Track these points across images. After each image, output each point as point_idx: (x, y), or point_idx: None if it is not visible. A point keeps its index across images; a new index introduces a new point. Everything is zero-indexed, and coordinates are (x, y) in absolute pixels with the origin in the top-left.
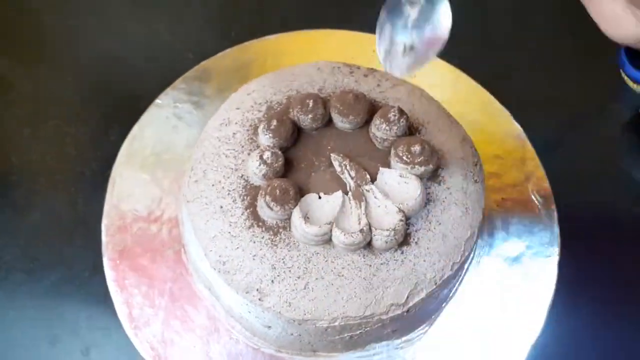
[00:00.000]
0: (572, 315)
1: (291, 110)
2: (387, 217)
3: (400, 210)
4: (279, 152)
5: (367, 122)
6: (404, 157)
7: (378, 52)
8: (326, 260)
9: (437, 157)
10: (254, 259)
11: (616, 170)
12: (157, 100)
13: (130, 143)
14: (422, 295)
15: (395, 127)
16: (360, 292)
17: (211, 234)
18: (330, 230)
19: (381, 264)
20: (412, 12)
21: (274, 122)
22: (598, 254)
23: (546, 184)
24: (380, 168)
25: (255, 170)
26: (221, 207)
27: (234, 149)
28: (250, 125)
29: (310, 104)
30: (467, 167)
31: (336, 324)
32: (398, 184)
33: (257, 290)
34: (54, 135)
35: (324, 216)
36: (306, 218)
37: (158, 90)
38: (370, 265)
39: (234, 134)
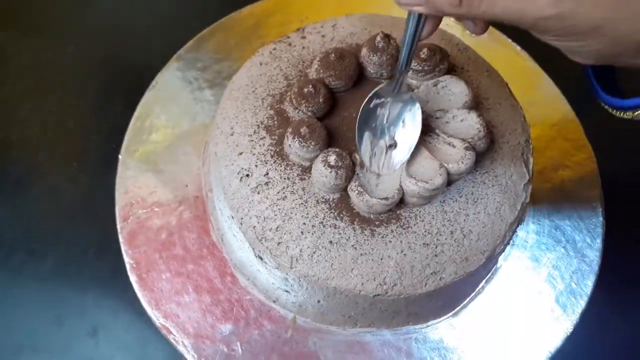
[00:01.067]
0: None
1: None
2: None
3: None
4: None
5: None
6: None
7: (362, 158)
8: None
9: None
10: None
11: None
12: (162, 72)
13: (138, 119)
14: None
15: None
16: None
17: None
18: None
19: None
20: (384, 113)
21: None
22: None
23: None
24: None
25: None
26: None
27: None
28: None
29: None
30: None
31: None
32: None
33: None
34: (56, 108)
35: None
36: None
37: (163, 59)
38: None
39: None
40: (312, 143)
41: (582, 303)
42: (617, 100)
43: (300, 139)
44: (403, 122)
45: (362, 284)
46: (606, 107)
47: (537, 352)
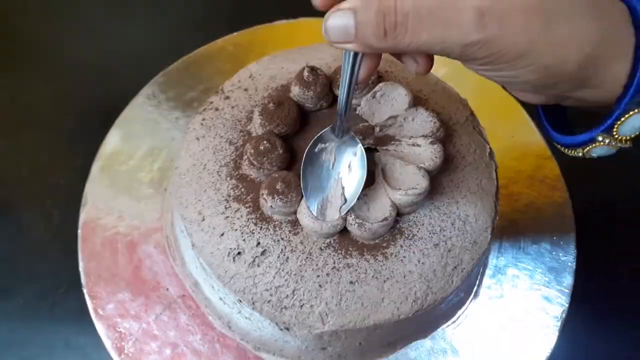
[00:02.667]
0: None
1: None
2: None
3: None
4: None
5: None
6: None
7: (310, 209)
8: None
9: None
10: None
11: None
12: (128, 109)
13: (103, 154)
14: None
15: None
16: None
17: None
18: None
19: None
20: (329, 158)
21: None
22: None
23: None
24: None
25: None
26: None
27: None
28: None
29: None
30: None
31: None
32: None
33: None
34: (29, 145)
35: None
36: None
37: (134, 94)
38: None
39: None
40: (293, 195)
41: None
42: (567, 138)
43: (281, 196)
44: (349, 166)
45: (398, 308)
46: (558, 145)
47: None
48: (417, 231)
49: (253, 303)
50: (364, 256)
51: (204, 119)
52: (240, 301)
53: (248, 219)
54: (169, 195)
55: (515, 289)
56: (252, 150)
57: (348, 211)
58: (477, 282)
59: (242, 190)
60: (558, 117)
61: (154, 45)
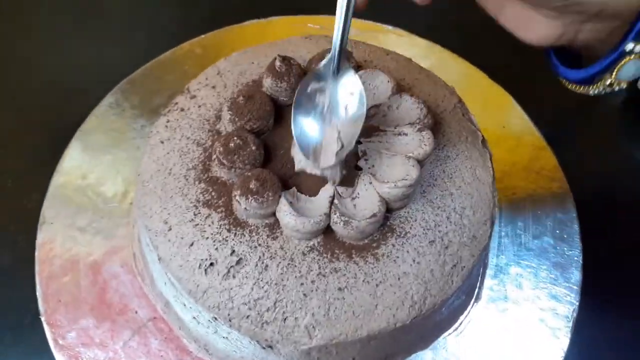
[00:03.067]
0: None
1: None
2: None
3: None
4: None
5: None
6: None
7: (304, 155)
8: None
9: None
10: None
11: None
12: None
13: (62, 168)
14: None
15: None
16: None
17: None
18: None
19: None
20: (323, 101)
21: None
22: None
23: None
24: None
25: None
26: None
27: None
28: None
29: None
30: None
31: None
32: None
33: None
34: None
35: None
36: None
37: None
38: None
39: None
40: (269, 194)
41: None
42: (590, 69)
43: (255, 196)
44: (346, 109)
45: (394, 315)
46: (574, 87)
47: None
48: (410, 228)
49: (230, 320)
50: (352, 259)
51: (168, 121)
52: (216, 319)
53: (220, 225)
54: (133, 207)
55: (520, 290)
56: (221, 149)
57: (334, 203)
58: (479, 283)
59: (213, 194)
60: (567, 56)
61: (120, 58)
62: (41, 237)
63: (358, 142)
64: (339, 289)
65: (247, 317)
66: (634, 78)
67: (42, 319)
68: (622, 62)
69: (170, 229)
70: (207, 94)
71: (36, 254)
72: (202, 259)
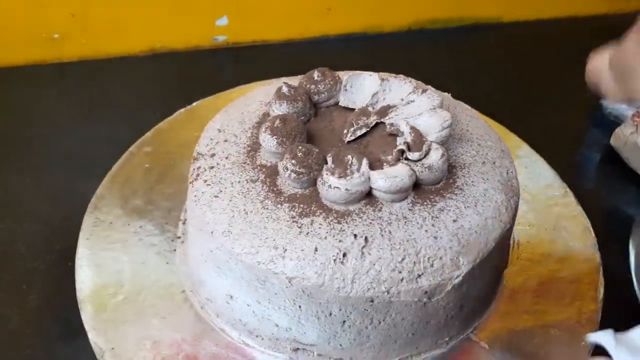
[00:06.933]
0: None
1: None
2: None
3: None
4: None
5: None
6: None
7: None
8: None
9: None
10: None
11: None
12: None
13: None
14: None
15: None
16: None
17: None
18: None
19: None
20: None
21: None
22: None
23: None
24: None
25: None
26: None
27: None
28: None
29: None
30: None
31: None
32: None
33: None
34: (6, 235)
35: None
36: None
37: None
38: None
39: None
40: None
41: None
42: None
43: (346, 172)
44: None
45: (501, 220)
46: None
47: None
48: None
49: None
50: (444, 197)
51: (205, 181)
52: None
53: (329, 223)
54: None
55: None
56: (293, 161)
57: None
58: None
59: (301, 205)
60: None
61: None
62: None
63: (381, 123)
64: (454, 220)
65: (402, 279)
66: None
67: None
68: None
69: (284, 250)
70: (225, 147)
71: None
72: (334, 255)
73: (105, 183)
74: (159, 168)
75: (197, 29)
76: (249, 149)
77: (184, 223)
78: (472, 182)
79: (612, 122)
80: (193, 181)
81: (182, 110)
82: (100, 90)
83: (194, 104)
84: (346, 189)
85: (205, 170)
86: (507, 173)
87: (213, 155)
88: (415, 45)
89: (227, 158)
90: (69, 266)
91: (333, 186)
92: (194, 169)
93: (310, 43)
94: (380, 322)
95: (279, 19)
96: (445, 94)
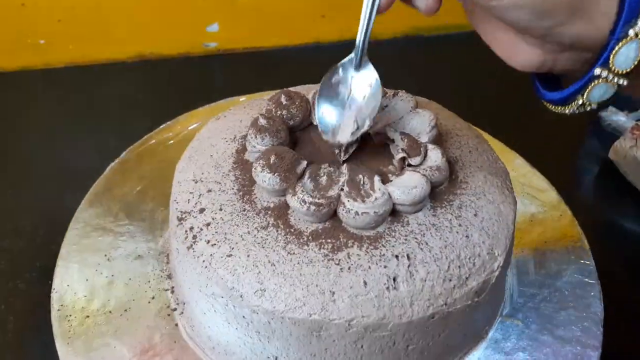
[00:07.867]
0: None
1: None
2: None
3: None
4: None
5: None
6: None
7: (324, 133)
8: None
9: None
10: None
11: None
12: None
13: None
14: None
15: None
16: None
17: None
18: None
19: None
20: (344, 91)
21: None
22: None
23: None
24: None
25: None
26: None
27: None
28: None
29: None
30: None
31: None
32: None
33: None
34: None
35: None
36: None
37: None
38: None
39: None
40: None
41: None
42: (565, 91)
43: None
44: (364, 97)
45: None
46: (552, 106)
47: None
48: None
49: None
50: (457, 194)
51: (208, 241)
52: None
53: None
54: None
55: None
56: (307, 194)
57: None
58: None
59: (330, 243)
60: (550, 81)
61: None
62: None
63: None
64: (474, 215)
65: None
66: (601, 99)
67: None
68: (591, 85)
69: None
70: (213, 198)
71: None
72: (385, 283)
73: (89, 197)
74: (144, 183)
75: (187, 35)
76: (240, 193)
77: (172, 292)
78: (471, 172)
79: (610, 134)
80: (191, 245)
81: (169, 122)
82: (86, 97)
83: (180, 116)
84: (374, 212)
85: (201, 229)
86: (491, 156)
87: (202, 210)
88: (410, 53)
89: (221, 210)
90: (49, 284)
91: (361, 212)
92: (186, 231)
93: (304, 50)
94: (440, 335)
95: (271, 25)
96: (402, 90)
